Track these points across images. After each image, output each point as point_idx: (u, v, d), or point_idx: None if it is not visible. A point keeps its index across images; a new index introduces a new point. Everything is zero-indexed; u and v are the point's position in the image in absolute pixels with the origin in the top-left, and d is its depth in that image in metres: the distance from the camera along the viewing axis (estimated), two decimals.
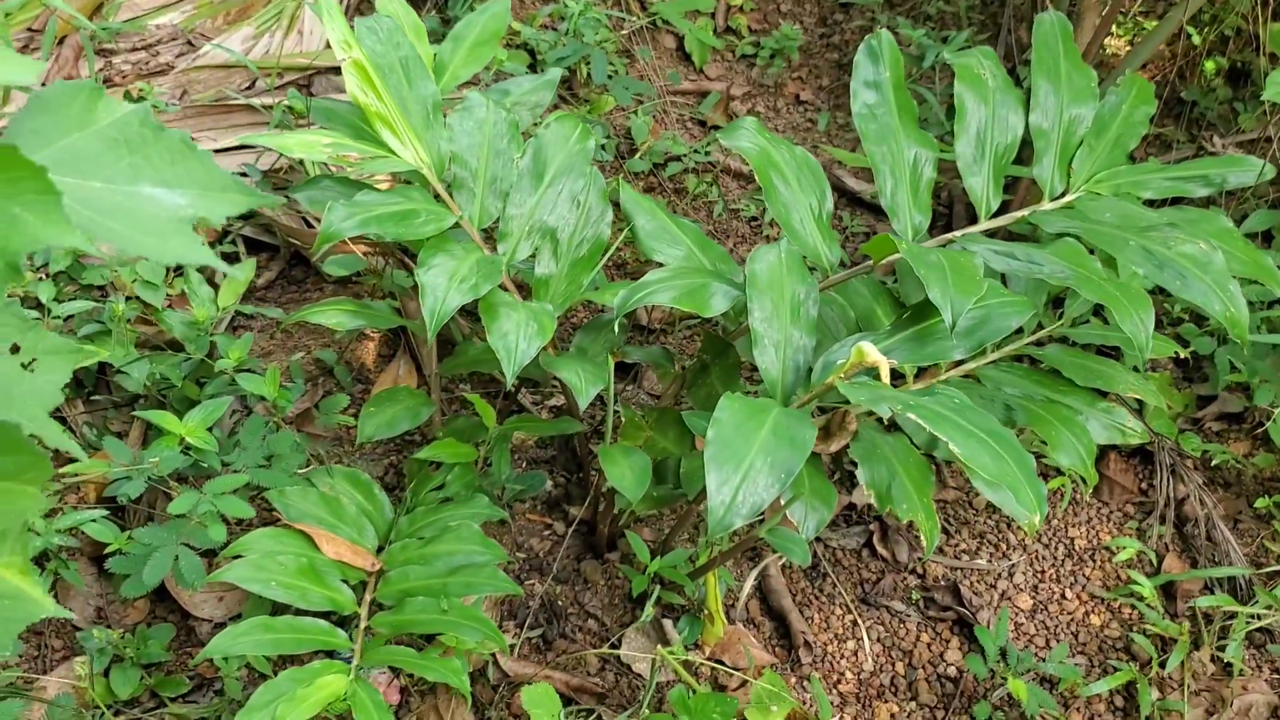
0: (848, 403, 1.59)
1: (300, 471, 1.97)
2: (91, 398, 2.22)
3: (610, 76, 2.88)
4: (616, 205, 1.93)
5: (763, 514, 1.43)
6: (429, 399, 2.04)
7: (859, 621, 2.05)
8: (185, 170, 0.69)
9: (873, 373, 1.54)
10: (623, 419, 1.91)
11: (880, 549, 2.16)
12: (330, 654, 1.69)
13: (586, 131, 1.91)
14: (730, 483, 1.38)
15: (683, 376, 1.97)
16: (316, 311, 1.95)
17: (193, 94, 2.86)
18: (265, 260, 2.62)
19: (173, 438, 1.79)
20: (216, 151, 2.71)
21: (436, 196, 1.75)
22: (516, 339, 1.62)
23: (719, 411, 1.43)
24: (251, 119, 2.71)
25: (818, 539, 2.20)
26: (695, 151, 2.91)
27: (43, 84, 2.80)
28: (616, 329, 1.67)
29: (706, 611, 1.89)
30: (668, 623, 1.92)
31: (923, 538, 1.78)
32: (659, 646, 1.81)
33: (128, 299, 2.12)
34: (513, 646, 1.95)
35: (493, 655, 1.89)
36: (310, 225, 2.57)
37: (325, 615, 1.79)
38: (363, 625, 1.69)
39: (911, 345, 1.64)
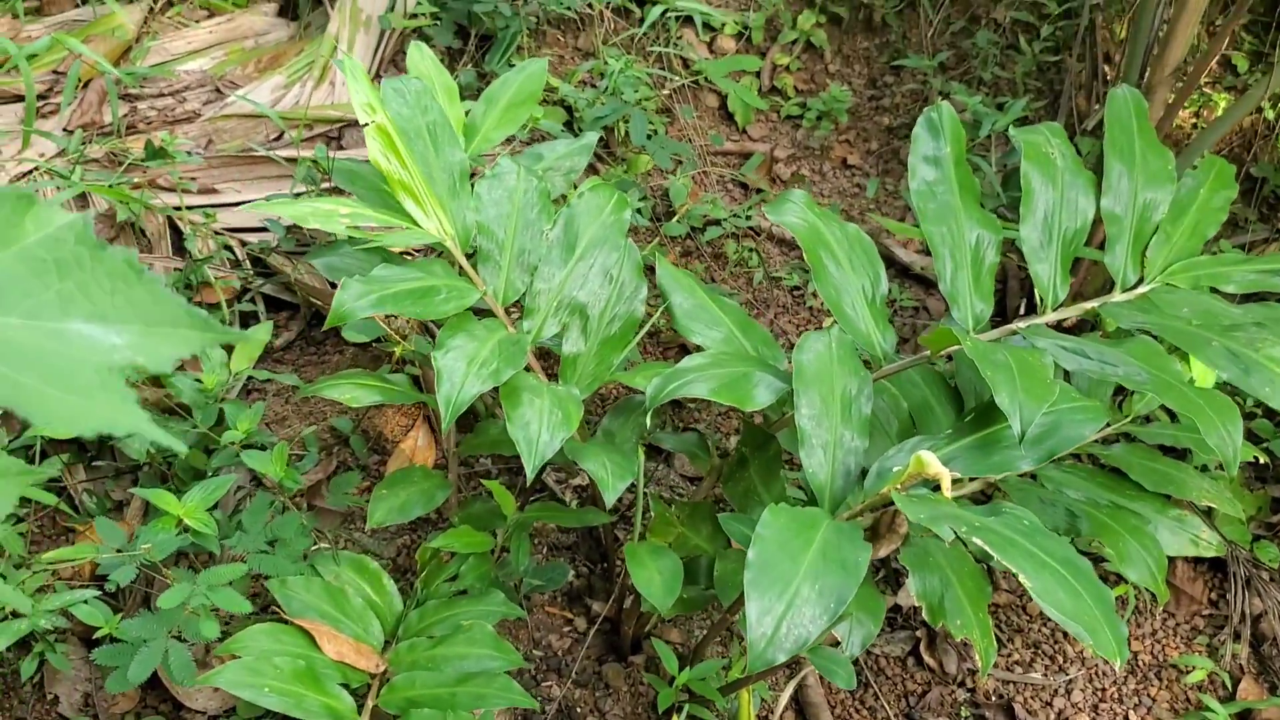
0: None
1: (308, 553, 1.84)
2: (94, 463, 2.10)
3: (649, 136, 2.76)
4: (652, 274, 1.80)
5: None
6: (445, 480, 1.90)
7: None
8: (127, 300, 0.55)
9: (931, 484, 1.39)
10: (652, 513, 1.77)
11: (927, 658, 1.99)
12: None
13: (623, 202, 1.79)
14: (773, 613, 1.23)
15: (719, 469, 1.82)
16: (331, 385, 1.82)
17: (219, 143, 2.78)
18: (284, 320, 2.51)
19: (169, 519, 1.66)
20: (239, 205, 2.62)
21: (460, 270, 1.62)
22: (539, 429, 1.49)
23: (762, 528, 1.29)
24: (277, 172, 2.61)
25: None
26: (736, 216, 2.78)
27: (65, 130, 2.73)
28: (648, 420, 1.53)
29: None
30: None
31: (978, 657, 1.62)
32: None
33: None
34: None
35: None
36: (333, 285, 2.46)
37: None
38: None
39: (974, 454, 1.49)
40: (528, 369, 1.66)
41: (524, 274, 1.70)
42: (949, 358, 2.08)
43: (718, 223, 2.76)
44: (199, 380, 1.97)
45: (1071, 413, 1.49)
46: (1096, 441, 1.89)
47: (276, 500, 1.86)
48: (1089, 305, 1.76)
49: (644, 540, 1.70)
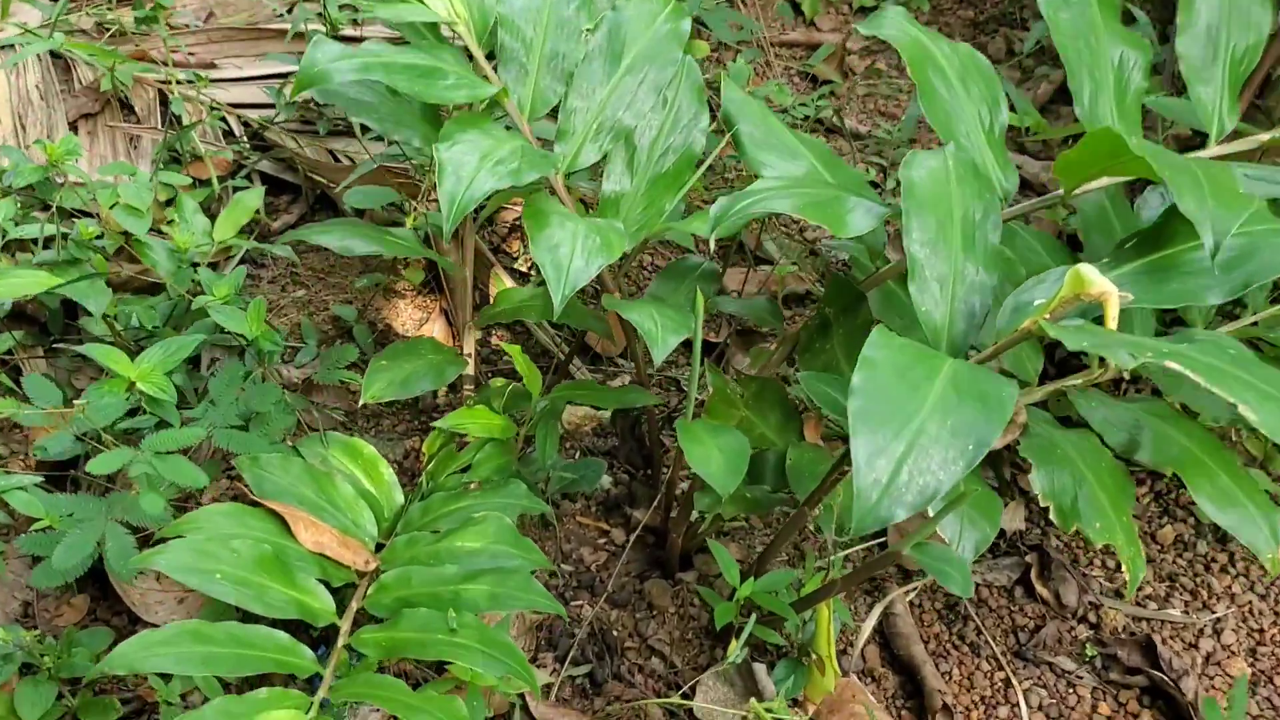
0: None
1: (291, 436, 1.52)
2: (55, 345, 1.79)
3: (708, 11, 2.42)
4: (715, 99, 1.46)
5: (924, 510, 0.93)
6: (459, 356, 1.57)
7: (1014, 682, 1.52)
8: None
9: (1089, 314, 1.04)
10: (711, 388, 1.43)
11: (1039, 588, 1.64)
12: (294, 679, 1.24)
13: (679, 9, 1.45)
14: (889, 454, 0.89)
15: (794, 338, 1.48)
16: (319, 231, 1.50)
17: (221, 16, 2.47)
18: (284, 204, 2.19)
19: (118, 382, 1.34)
20: (241, 80, 2.31)
21: (475, 67, 1.29)
22: (570, 252, 1.16)
23: (871, 349, 0.95)
24: (284, 48, 2.29)
25: None
26: (804, 105, 2.43)
27: None
28: (712, 245, 1.19)
29: (814, 656, 1.38)
30: (760, 668, 1.42)
31: (1124, 568, 1.28)
32: (751, 700, 1.31)
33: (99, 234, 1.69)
34: (548, 688, 1.46)
35: (521, 697, 1.41)
36: (337, 159, 2.14)
37: (294, 625, 1.33)
38: (340, 643, 1.22)
39: (1146, 281, 1.13)
40: (557, 199, 1.33)
41: (556, 83, 1.37)
42: (1073, 210, 1.73)
43: (783, 111, 2.41)
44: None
45: (1271, 235, 1.13)
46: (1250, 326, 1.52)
47: (255, 373, 1.54)
48: (1266, 136, 1.39)
49: (700, 420, 1.36)
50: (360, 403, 1.48)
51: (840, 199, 1.23)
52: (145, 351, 1.38)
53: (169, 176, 1.95)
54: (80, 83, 2.26)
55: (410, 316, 2.00)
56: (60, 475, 1.60)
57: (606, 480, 1.76)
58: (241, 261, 2.01)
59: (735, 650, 1.36)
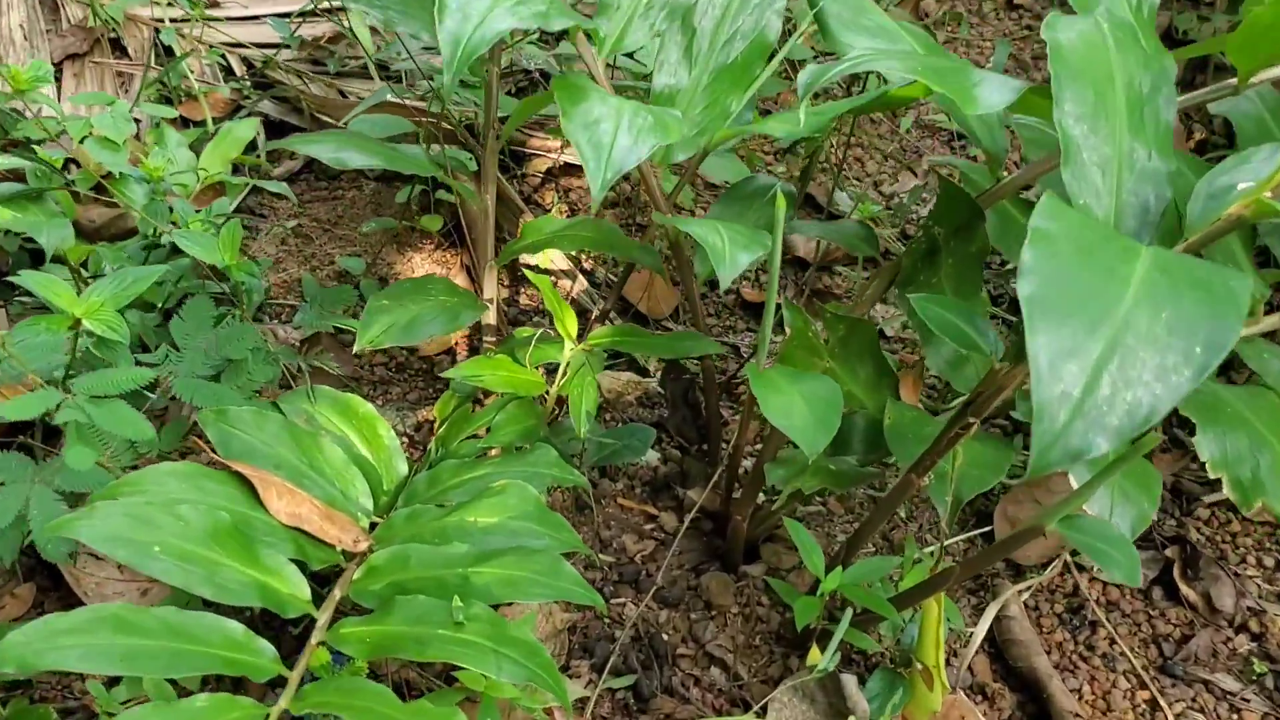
0: None
1: (270, 390, 1.26)
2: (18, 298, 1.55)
3: None
4: None
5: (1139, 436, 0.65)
6: (476, 300, 1.30)
7: (1162, 704, 1.22)
8: None
9: None
10: (789, 329, 1.14)
11: (1185, 589, 1.33)
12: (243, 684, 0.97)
13: None
14: (1083, 355, 0.60)
15: (894, 269, 1.19)
16: (307, 141, 1.24)
17: None
18: (289, 152, 1.94)
19: (60, 319, 1.08)
20: (246, 19, 2.07)
21: None
22: (614, 129, 0.89)
23: (1043, 219, 0.66)
24: None
25: (1078, 567, 1.38)
26: None
27: None
28: (802, 116, 0.91)
29: (918, 666, 1.09)
30: (848, 680, 1.12)
31: None
32: None
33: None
34: (583, 703, 1.18)
35: (549, 715, 1.13)
36: (345, 96, 1.89)
37: (256, 617, 1.07)
38: (314, 640, 0.94)
39: None
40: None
41: None
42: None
43: None
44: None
45: None
46: None
47: (232, 315, 1.28)
48: None
49: (775, 368, 1.07)
50: (355, 350, 1.21)
51: (964, 69, 0.95)
52: (95, 284, 1.12)
53: (153, 108, 1.70)
54: (69, 21, 2.03)
55: (426, 271, 1.74)
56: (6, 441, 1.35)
57: (654, 456, 1.48)
58: (238, 210, 1.76)
59: (819, 657, 1.07)
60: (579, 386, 1.26)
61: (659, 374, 1.49)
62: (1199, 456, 1.02)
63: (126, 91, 1.97)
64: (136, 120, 1.83)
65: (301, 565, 1.00)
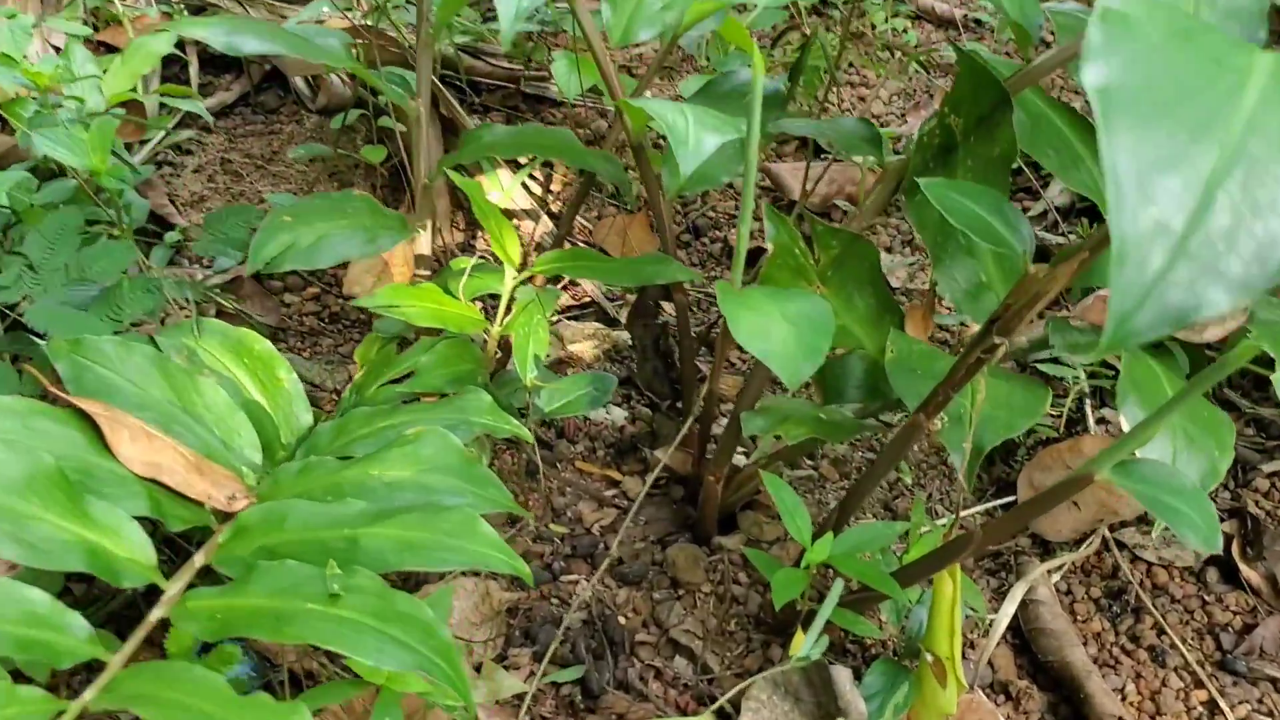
0: None
1: (148, 322, 1.06)
2: None
3: None
4: None
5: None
6: (404, 221, 1.10)
7: (1222, 705, 1.01)
8: None
9: None
10: (770, 247, 0.94)
11: (1245, 570, 1.12)
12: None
13: None
14: (1187, 167, 0.39)
15: (899, 171, 0.98)
16: (195, 24, 1.03)
17: None
18: (227, 81, 1.74)
19: None
20: None
21: None
22: None
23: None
24: None
25: (1118, 544, 1.17)
26: None
27: None
28: None
29: (928, 658, 0.88)
30: (841, 673, 0.91)
31: None
32: None
33: None
34: (519, 700, 0.97)
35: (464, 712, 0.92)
36: (286, 20, 1.68)
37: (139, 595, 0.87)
38: (151, 616, 0.74)
39: None
40: None
41: None
42: None
43: None
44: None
45: None
46: None
47: (109, 234, 1.08)
48: None
49: (754, 287, 0.87)
50: (247, 272, 1.01)
51: None
52: None
53: (62, 23, 1.51)
54: None
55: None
56: None
57: (620, 415, 1.28)
58: (163, 164, 1.56)
59: (803, 644, 0.86)
60: (525, 325, 1.06)
61: (626, 319, 1.29)
62: None
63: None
64: (56, 49, 1.64)
65: (154, 523, 0.80)
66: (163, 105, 1.66)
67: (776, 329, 0.79)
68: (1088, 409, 1.32)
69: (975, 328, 0.86)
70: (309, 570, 0.73)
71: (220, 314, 1.27)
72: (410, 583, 1.06)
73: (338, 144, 1.53)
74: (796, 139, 1.75)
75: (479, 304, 1.10)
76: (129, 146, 1.56)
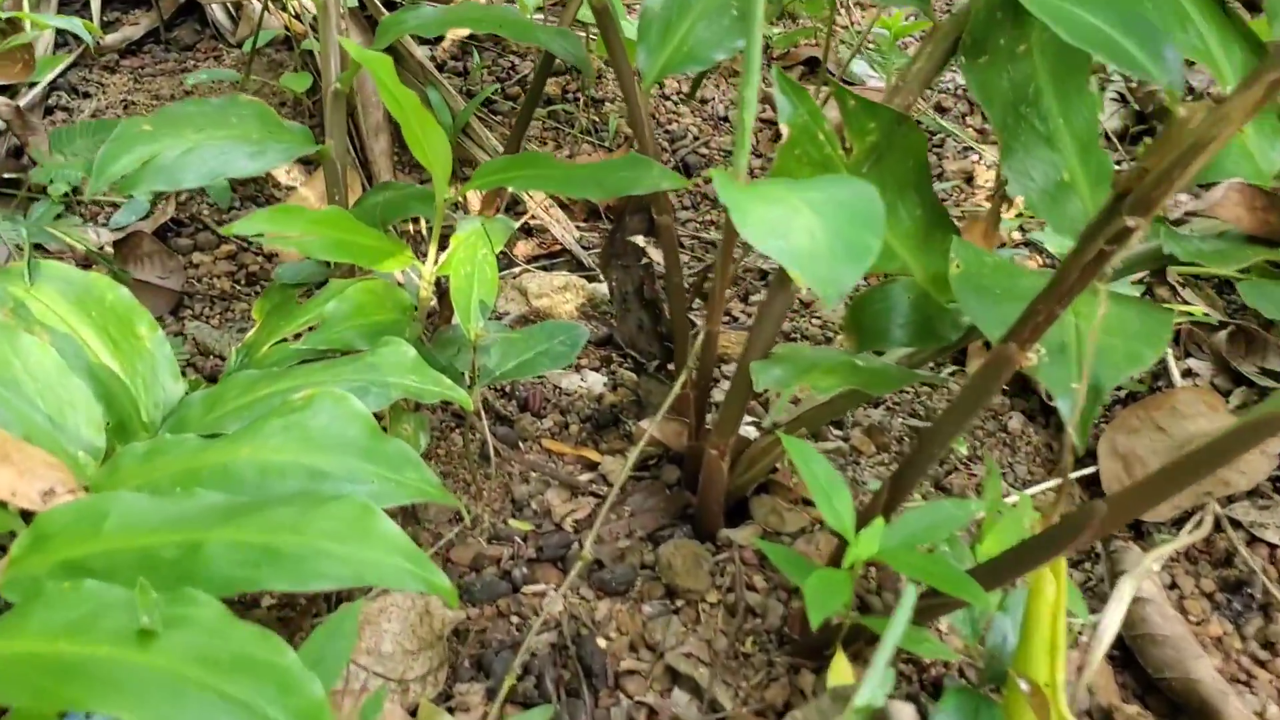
0: None
1: None
2: None
3: None
4: None
5: None
6: (307, 134, 0.85)
7: None
8: None
9: None
10: (786, 129, 0.69)
11: None
12: None
13: None
14: None
15: (959, 26, 0.73)
16: None
17: None
18: (135, 16, 1.50)
19: None
20: None
21: None
22: None
23: None
24: None
25: (1231, 521, 0.93)
26: None
27: None
28: None
29: (1024, 685, 0.63)
30: (902, 712, 0.67)
31: None
32: None
33: None
34: None
35: None
36: None
37: None
38: None
39: None
40: None
41: None
42: None
43: None
44: None
45: None
46: None
47: None
48: None
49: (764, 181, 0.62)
50: (87, 194, 0.77)
51: None
52: None
53: None
54: None
55: (296, 166, 1.29)
56: None
57: (597, 381, 1.04)
58: (56, 88, 1.31)
59: (848, 673, 0.62)
60: (467, 262, 0.81)
61: (603, 259, 1.04)
62: None
63: None
64: None
65: None
66: (60, 44, 1.42)
67: (800, 221, 0.54)
68: (1169, 358, 1.08)
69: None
70: (116, 595, 0.49)
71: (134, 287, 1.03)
72: (332, 600, 0.82)
73: (249, 66, 1.29)
74: (802, 62, 1.51)
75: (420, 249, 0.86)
76: (11, 89, 1.31)
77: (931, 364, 0.80)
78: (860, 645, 0.73)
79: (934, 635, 0.68)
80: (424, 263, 0.83)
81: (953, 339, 0.76)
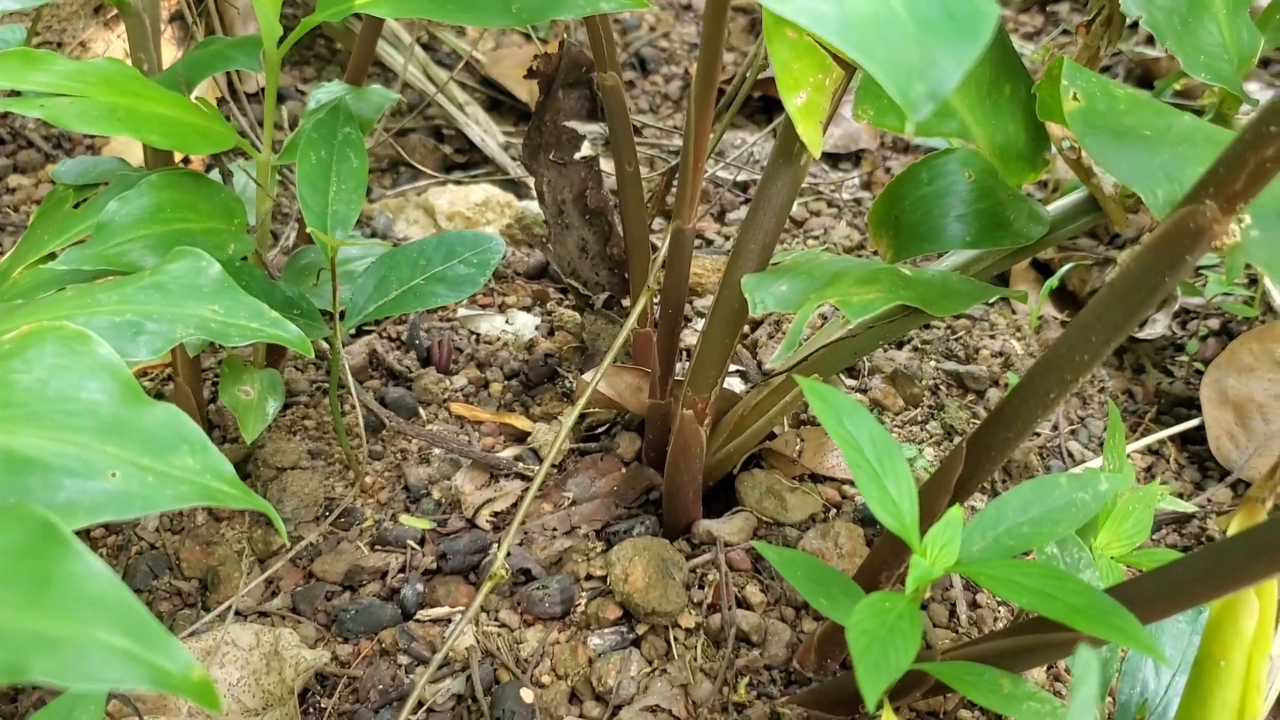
0: None
1: None
2: None
3: None
4: None
5: None
6: None
7: None
8: None
9: None
10: None
11: None
12: None
13: None
14: None
15: None
16: None
17: None
18: None
19: None
20: None
21: None
22: None
23: None
24: None
25: None
26: None
27: None
28: None
29: None
30: None
31: None
32: None
33: None
34: None
35: None
36: None
37: None
38: None
39: None
40: None
41: None
42: None
43: None
44: None
45: None
46: None
47: None
48: None
49: None
50: None
51: None
52: None
53: None
54: None
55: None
56: None
57: (528, 323, 0.78)
58: None
59: None
60: (321, 144, 0.56)
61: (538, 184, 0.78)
62: None
63: None
64: None
65: None
66: None
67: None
68: (1267, 281, 0.84)
69: None
70: None
71: None
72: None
73: None
74: None
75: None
76: None
77: (1000, 276, 0.56)
78: (909, 690, 0.49)
79: (1037, 687, 0.44)
80: (260, 150, 0.57)
81: (1034, 236, 0.52)
